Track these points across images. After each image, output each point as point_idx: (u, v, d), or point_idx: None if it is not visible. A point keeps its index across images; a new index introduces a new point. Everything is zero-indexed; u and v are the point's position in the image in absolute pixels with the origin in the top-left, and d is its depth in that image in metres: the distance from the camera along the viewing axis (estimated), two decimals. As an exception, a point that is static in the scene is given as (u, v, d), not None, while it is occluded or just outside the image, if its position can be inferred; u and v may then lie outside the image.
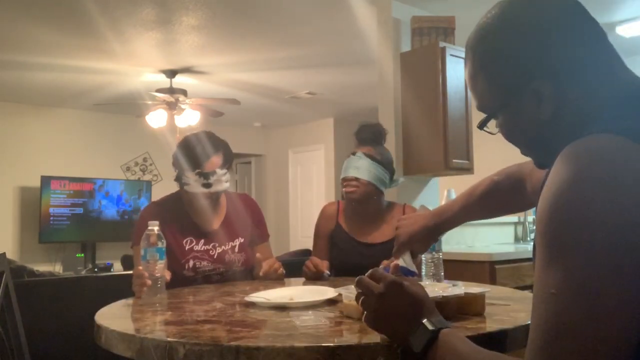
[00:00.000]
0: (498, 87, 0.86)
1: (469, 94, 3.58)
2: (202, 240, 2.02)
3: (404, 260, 1.49)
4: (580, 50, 0.80)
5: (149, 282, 1.57)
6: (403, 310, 0.89)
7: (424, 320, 0.86)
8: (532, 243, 4.01)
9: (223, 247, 2.04)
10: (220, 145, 2.07)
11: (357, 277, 0.97)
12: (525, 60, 0.82)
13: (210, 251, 2.02)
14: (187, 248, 1.98)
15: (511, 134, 0.89)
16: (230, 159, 2.10)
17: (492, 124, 0.93)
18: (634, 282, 0.61)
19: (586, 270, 0.63)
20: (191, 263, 1.98)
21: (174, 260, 1.93)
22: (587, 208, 0.64)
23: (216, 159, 2.02)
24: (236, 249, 2.06)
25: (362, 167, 2.13)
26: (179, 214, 2.04)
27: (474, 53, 0.90)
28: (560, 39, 0.81)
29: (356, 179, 2.13)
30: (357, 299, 0.96)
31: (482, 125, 0.93)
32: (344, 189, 2.19)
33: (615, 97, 0.78)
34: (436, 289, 1.23)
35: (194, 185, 1.99)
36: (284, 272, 2.01)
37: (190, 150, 2.02)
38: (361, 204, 2.17)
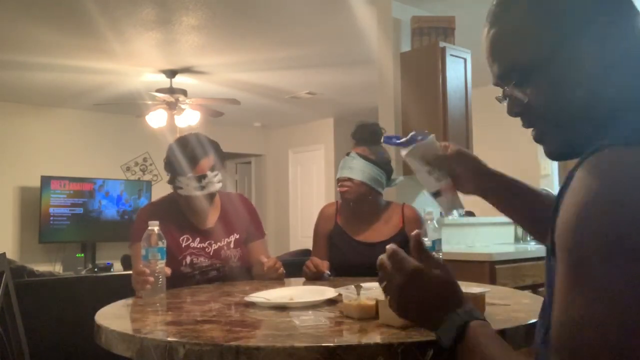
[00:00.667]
0: (555, 24, 0.76)
1: (469, 93, 3.58)
2: (198, 238, 2.06)
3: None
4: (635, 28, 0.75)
5: (152, 279, 1.57)
6: (427, 299, 0.84)
7: (451, 313, 0.81)
8: (532, 243, 3.98)
9: (219, 243, 2.07)
10: (209, 147, 2.10)
11: (378, 258, 0.90)
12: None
13: (207, 248, 2.06)
14: (183, 245, 2.02)
15: (551, 97, 0.77)
16: (221, 159, 2.13)
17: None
18: None
19: (617, 295, 0.59)
20: (188, 259, 2.01)
21: (171, 257, 1.94)
22: (615, 226, 0.60)
23: (206, 162, 2.05)
24: (232, 245, 2.09)
25: (355, 168, 2.14)
26: (175, 213, 2.08)
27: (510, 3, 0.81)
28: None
29: (349, 179, 2.15)
30: (379, 282, 0.90)
31: (518, 83, 0.79)
32: (338, 189, 2.21)
33: None
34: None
35: (187, 189, 2.03)
36: (284, 271, 2.02)
37: (180, 156, 2.05)
38: (356, 203, 2.18)
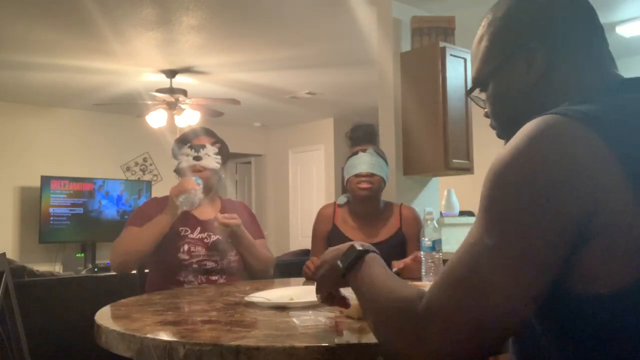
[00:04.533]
0: (497, 48, 0.91)
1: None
2: (198, 229, 2.10)
3: None
4: (583, 37, 0.85)
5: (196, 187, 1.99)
6: (332, 251, 1.01)
7: (354, 242, 0.95)
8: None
9: (218, 236, 2.10)
10: (214, 135, 2.21)
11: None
12: (528, 24, 0.87)
13: (205, 239, 2.09)
14: (182, 235, 2.06)
15: (496, 103, 0.93)
16: (224, 149, 2.20)
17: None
18: (533, 243, 0.67)
19: (498, 227, 0.69)
20: (186, 247, 2.05)
21: (170, 244, 2.03)
22: (508, 177, 0.70)
23: (207, 139, 2.16)
24: (229, 239, 2.10)
25: (375, 164, 2.14)
26: None
27: (487, 17, 0.95)
28: (568, 18, 0.86)
29: (372, 175, 2.13)
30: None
31: (470, 91, 0.97)
32: (358, 185, 2.14)
33: (596, 88, 0.82)
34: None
35: (186, 160, 2.11)
36: (237, 223, 2.05)
37: (185, 133, 2.19)
38: (370, 201, 2.18)
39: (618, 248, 0.66)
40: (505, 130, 0.93)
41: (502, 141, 0.93)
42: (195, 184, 2.00)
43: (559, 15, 0.86)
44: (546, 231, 0.67)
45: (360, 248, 0.92)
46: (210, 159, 2.10)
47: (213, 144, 2.14)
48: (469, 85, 0.97)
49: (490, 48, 0.92)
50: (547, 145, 0.69)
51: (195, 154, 2.09)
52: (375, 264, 0.89)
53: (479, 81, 0.94)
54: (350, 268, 0.90)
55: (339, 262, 0.93)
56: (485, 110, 0.97)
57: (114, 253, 2.03)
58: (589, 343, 0.69)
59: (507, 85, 0.90)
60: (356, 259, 0.90)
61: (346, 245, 0.96)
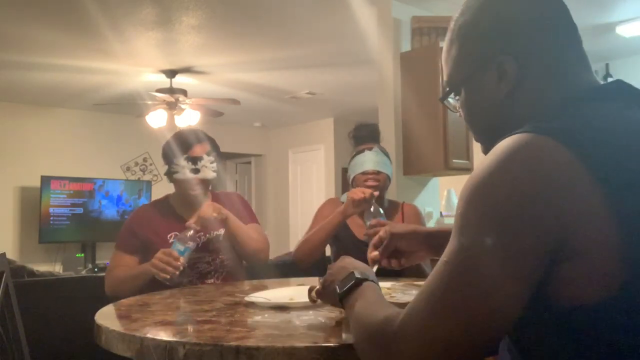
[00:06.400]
0: (467, 57, 0.89)
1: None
2: None
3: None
4: (552, 44, 0.84)
5: (178, 271, 1.81)
6: (337, 271, 1.03)
7: (354, 270, 0.97)
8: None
9: (208, 235, 2.07)
10: (206, 137, 2.16)
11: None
12: (497, 34, 0.86)
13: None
14: (170, 241, 1.99)
15: (469, 111, 0.92)
16: (218, 153, 2.15)
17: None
18: (508, 263, 0.67)
19: (472, 248, 0.69)
20: None
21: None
22: (484, 196, 0.71)
23: (201, 147, 2.10)
24: (221, 237, 2.09)
25: (381, 162, 2.14)
26: (166, 212, 2.11)
27: (454, 23, 0.93)
28: (537, 26, 0.84)
29: (378, 173, 2.13)
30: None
31: (443, 97, 0.96)
32: (365, 182, 2.14)
33: (566, 98, 0.80)
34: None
35: (183, 172, 2.05)
36: (224, 217, 2.00)
37: (178, 140, 2.11)
38: (375, 199, 2.18)
39: (598, 264, 0.66)
40: (481, 137, 0.94)
41: None
42: (180, 264, 1.83)
43: (527, 22, 0.84)
44: (523, 249, 0.67)
45: (359, 276, 0.95)
46: (208, 170, 2.07)
47: (208, 153, 2.10)
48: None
49: (461, 55, 0.90)
50: (521, 164, 0.69)
51: (193, 167, 2.05)
52: (369, 290, 0.92)
53: (452, 88, 0.93)
54: (346, 294, 0.94)
55: (337, 287, 0.98)
56: (458, 112, 0.96)
57: (106, 285, 2.04)
58: (568, 355, 0.69)
59: (480, 95, 0.89)
60: (353, 286, 0.94)
61: (347, 269, 0.99)
